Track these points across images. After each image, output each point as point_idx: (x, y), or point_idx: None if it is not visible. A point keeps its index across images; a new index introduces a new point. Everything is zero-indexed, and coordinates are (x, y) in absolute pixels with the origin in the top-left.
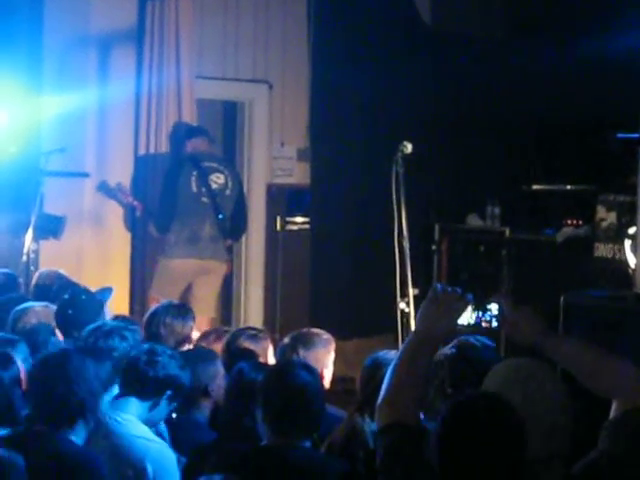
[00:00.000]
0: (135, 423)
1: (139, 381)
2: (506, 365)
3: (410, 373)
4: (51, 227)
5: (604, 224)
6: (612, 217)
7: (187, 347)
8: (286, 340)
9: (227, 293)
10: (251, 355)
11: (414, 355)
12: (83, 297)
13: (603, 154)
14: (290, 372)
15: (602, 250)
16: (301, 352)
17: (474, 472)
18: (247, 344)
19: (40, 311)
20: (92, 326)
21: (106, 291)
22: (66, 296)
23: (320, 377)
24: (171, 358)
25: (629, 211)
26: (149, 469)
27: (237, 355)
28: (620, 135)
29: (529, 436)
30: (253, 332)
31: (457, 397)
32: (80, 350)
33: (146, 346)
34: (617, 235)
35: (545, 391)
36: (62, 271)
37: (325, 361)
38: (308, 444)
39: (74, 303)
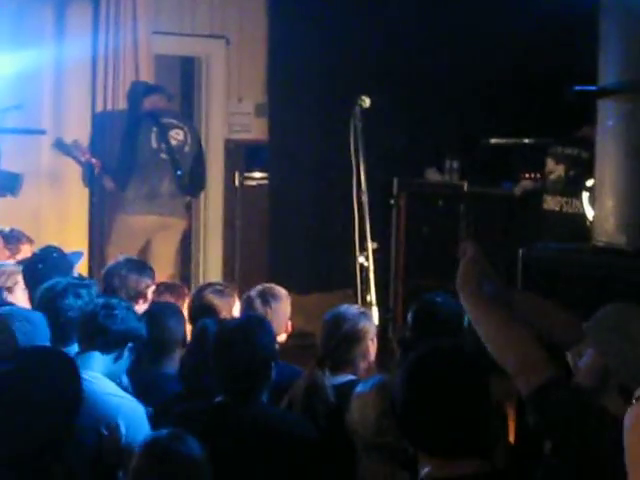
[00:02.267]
0: (103, 380)
1: (100, 335)
2: (607, 311)
3: (511, 328)
4: (8, 184)
5: (552, 177)
6: (560, 170)
7: (142, 303)
8: (253, 293)
9: (186, 249)
10: (215, 310)
11: (496, 311)
12: (54, 254)
13: (560, 107)
14: (237, 336)
15: (550, 203)
16: (273, 305)
17: (433, 424)
18: (213, 299)
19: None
20: (46, 285)
21: (77, 254)
22: (37, 251)
23: (271, 333)
24: (128, 310)
25: (577, 164)
26: (122, 425)
27: (202, 310)
28: (577, 87)
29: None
30: (219, 287)
31: (414, 352)
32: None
33: (102, 300)
34: (565, 188)
35: None
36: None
37: (288, 312)
38: (264, 399)
39: (45, 258)
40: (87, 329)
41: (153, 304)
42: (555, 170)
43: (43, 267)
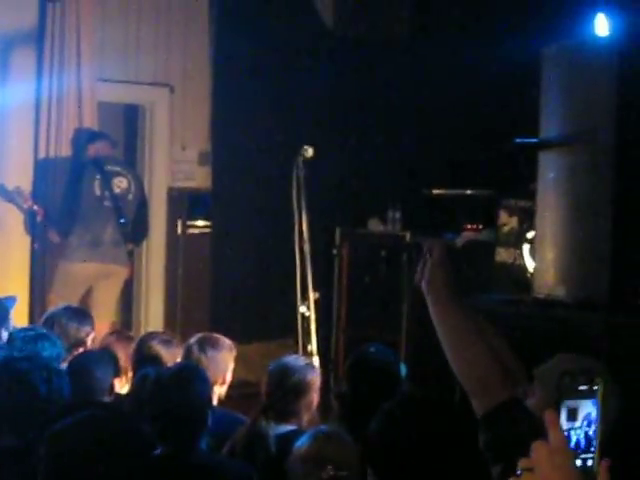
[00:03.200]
0: None
1: None
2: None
3: (474, 344)
4: None
5: (505, 229)
6: (513, 222)
7: (81, 350)
8: (192, 341)
9: (128, 297)
10: (160, 361)
11: (462, 322)
12: None
13: (504, 159)
14: (171, 382)
15: (503, 255)
16: (210, 353)
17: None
18: (159, 349)
19: None
20: (18, 332)
21: (10, 299)
22: None
23: (206, 380)
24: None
25: (530, 216)
26: None
27: (146, 359)
28: (518, 140)
29: None
30: (166, 337)
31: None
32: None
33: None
34: (518, 240)
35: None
36: None
37: (229, 364)
38: (203, 445)
39: None
40: None
41: (80, 354)
42: (508, 222)
43: None
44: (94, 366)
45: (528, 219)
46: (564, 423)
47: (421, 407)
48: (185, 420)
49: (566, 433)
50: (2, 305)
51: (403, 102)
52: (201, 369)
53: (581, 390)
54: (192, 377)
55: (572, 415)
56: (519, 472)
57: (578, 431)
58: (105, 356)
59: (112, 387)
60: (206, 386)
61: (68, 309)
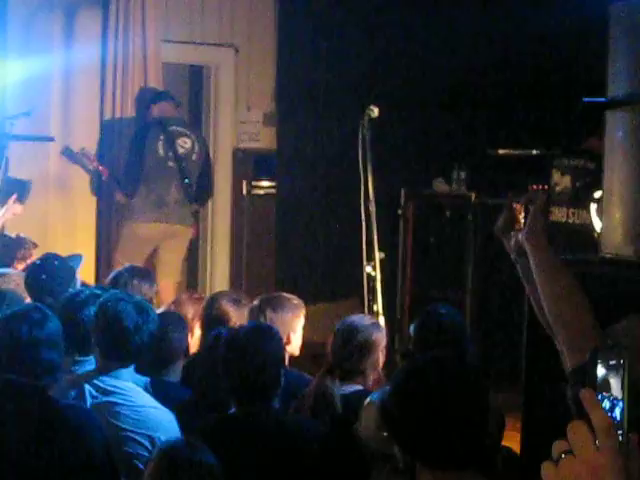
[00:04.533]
0: (141, 393)
1: (124, 347)
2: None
3: (573, 294)
4: (16, 191)
5: (559, 188)
6: (566, 181)
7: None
8: (255, 302)
9: (193, 257)
10: (228, 320)
11: (561, 272)
12: (56, 263)
13: (567, 118)
14: (245, 342)
15: (557, 214)
16: (268, 314)
17: (429, 436)
18: (228, 308)
19: (17, 278)
20: (67, 295)
21: (76, 258)
22: (38, 261)
23: (279, 340)
24: (148, 323)
25: (584, 175)
26: (162, 439)
27: (215, 318)
28: (587, 99)
29: None
30: (236, 296)
31: (411, 360)
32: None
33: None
34: (571, 199)
35: None
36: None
37: (293, 325)
38: (276, 405)
39: (47, 268)
40: (111, 342)
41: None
42: (561, 182)
43: (47, 277)
44: (173, 328)
45: (581, 178)
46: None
47: (429, 370)
48: (260, 379)
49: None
50: (69, 267)
51: (465, 62)
52: (274, 329)
53: (612, 365)
54: (266, 336)
55: (606, 389)
56: (556, 457)
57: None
58: (180, 318)
59: (188, 348)
60: (279, 345)
61: (134, 269)
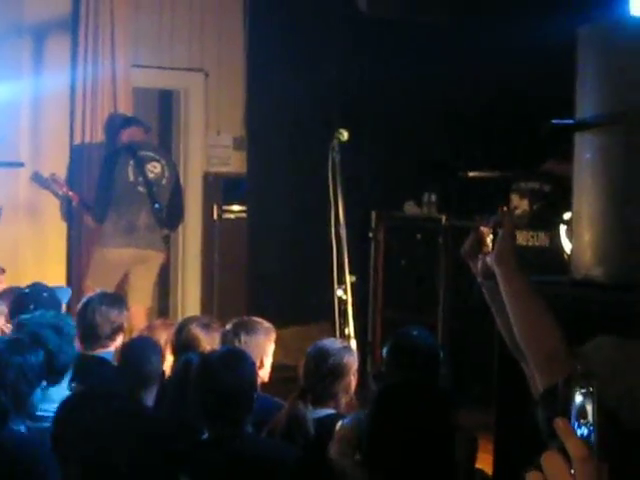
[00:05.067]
0: None
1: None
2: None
3: (542, 316)
4: None
5: (518, 211)
6: (524, 204)
7: (121, 336)
8: (228, 327)
9: (164, 283)
10: (199, 345)
11: (531, 295)
12: (45, 295)
13: (536, 140)
14: (219, 366)
15: (518, 238)
16: (243, 338)
17: (401, 455)
18: (198, 332)
19: None
20: (27, 316)
21: (64, 291)
22: (26, 290)
23: (253, 364)
24: None
25: (541, 198)
26: None
27: (186, 344)
28: (555, 121)
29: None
30: (206, 321)
31: (383, 384)
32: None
33: None
34: (530, 222)
35: None
36: None
37: (266, 349)
38: (248, 429)
39: (36, 299)
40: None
41: (134, 338)
42: (520, 205)
43: (34, 308)
44: (149, 352)
45: (538, 201)
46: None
47: (401, 393)
48: (234, 403)
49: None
50: (57, 299)
51: (437, 84)
52: (247, 352)
53: (585, 392)
54: (239, 360)
55: (583, 416)
56: None
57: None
58: (155, 342)
59: (163, 373)
60: (252, 369)
61: (105, 295)
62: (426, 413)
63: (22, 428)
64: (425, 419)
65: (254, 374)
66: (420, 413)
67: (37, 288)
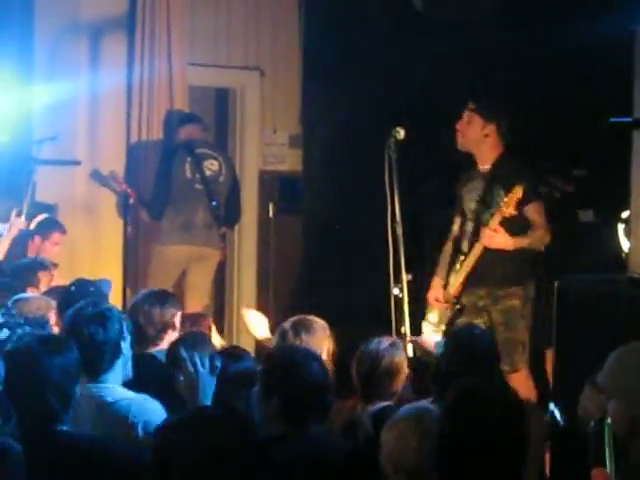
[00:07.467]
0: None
1: None
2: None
3: None
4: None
5: None
6: None
7: (170, 332)
8: (286, 325)
9: (221, 280)
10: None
11: None
12: (91, 289)
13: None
14: (302, 362)
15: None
16: (304, 337)
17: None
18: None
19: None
20: (71, 311)
21: (106, 283)
22: (72, 287)
23: (323, 363)
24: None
25: None
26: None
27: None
28: (613, 119)
29: None
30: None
31: (458, 385)
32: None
33: None
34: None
35: None
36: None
37: (323, 345)
38: (321, 429)
39: (84, 295)
40: None
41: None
42: None
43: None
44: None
45: None
46: None
47: (478, 395)
48: (319, 408)
49: None
50: (103, 292)
51: (490, 81)
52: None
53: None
54: (312, 359)
55: None
56: None
57: None
58: (204, 338)
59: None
60: (324, 369)
61: (150, 294)
62: (504, 415)
63: (68, 427)
64: (503, 421)
65: (326, 373)
66: (498, 416)
67: (82, 283)
